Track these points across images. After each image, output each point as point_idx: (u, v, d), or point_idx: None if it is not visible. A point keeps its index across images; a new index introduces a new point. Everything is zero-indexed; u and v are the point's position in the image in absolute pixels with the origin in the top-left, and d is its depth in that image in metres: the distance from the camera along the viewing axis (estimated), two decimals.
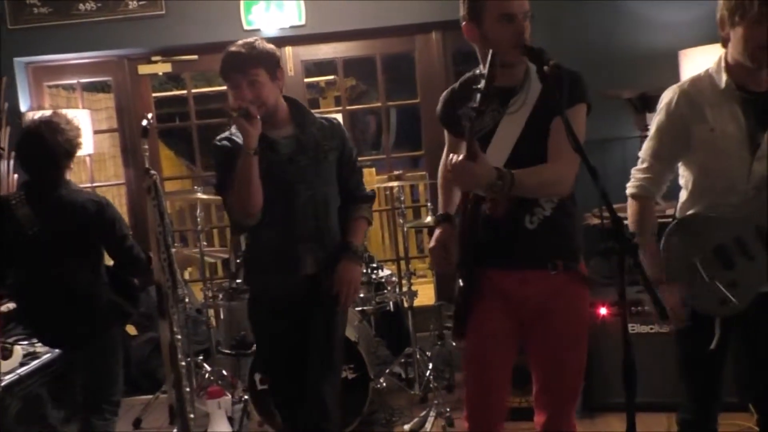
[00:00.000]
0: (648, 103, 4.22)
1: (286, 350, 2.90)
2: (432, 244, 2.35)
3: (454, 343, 4.46)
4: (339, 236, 2.94)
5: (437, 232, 2.35)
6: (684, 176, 2.54)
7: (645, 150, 2.53)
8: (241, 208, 2.73)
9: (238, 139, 2.73)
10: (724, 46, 2.38)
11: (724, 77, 2.36)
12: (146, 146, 3.10)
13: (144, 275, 3.37)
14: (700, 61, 3.96)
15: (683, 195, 2.54)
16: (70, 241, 3.20)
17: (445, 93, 2.46)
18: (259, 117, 2.63)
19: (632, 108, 4.43)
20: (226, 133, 2.88)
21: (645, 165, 2.52)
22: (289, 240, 2.84)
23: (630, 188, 2.56)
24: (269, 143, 2.81)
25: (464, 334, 2.35)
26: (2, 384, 3.76)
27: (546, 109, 2.16)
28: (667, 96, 2.46)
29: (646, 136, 2.58)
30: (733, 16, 2.28)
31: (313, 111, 3.03)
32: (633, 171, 2.57)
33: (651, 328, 3.72)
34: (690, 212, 2.48)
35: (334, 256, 2.88)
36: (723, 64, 2.38)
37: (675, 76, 4.17)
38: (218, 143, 2.86)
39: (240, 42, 2.78)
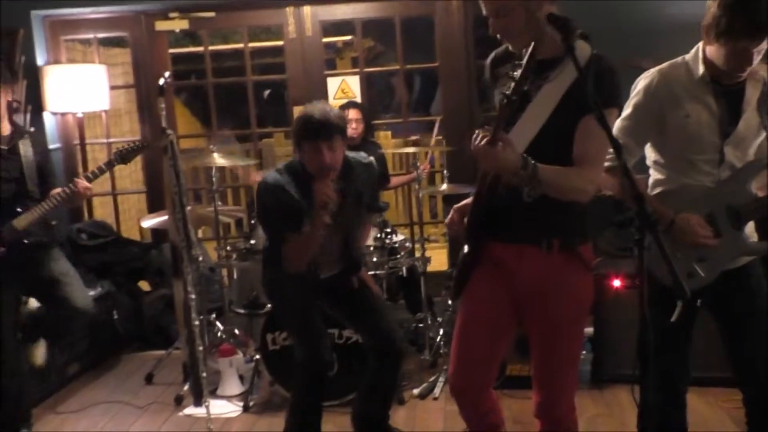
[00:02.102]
0: None
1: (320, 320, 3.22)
2: (456, 206, 2.38)
3: (450, 302, 4.49)
4: (358, 246, 3.33)
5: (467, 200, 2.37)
6: (652, 158, 2.57)
7: (620, 129, 2.51)
8: (298, 263, 3.02)
9: (292, 190, 2.94)
10: (706, 38, 2.38)
11: (700, 68, 2.41)
12: (163, 105, 3.10)
13: None
14: None
15: (654, 174, 2.58)
16: None
17: (489, 57, 2.39)
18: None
19: None
20: (273, 177, 2.99)
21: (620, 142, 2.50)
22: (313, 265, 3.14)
23: (607, 162, 2.48)
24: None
25: (460, 295, 2.37)
26: None
27: (581, 88, 2.02)
28: (647, 79, 2.49)
29: None
30: (709, 31, 2.32)
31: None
32: None
33: None
34: (663, 188, 2.52)
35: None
36: (701, 55, 2.42)
37: None
38: (270, 190, 2.97)
39: (314, 109, 2.91)
